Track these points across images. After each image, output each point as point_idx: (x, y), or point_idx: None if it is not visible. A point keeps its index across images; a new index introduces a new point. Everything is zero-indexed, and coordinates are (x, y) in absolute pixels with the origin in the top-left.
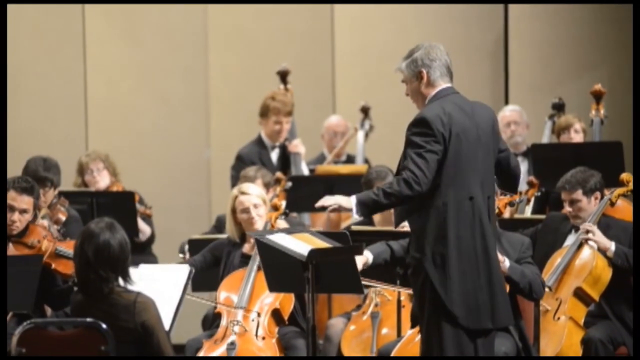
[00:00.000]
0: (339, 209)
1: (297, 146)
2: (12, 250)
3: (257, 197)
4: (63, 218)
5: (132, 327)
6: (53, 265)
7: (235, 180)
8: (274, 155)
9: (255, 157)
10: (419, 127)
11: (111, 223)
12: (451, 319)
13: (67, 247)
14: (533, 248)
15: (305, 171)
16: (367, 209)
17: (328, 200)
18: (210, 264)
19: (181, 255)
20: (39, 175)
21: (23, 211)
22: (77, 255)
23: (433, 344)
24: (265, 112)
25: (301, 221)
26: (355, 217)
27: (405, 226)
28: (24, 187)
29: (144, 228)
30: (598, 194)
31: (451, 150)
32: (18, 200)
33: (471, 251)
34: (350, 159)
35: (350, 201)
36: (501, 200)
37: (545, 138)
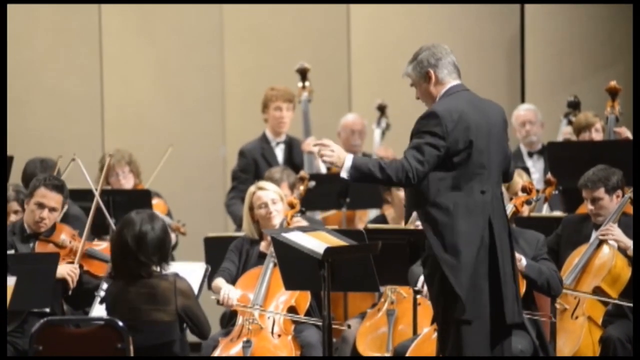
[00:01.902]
0: (332, 163)
1: (310, 145)
2: (39, 249)
3: (274, 192)
4: None
5: (173, 309)
6: (85, 267)
7: (235, 174)
8: (279, 152)
9: (257, 152)
10: (428, 120)
11: (151, 213)
12: (462, 312)
13: (99, 249)
14: (557, 254)
15: (323, 169)
16: (358, 175)
17: (327, 150)
18: (238, 264)
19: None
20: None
21: (52, 209)
22: (115, 243)
23: (448, 341)
24: (265, 103)
25: (319, 220)
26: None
27: (419, 224)
28: (55, 184)
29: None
30: (620, 192)
31: (462, 147)
32: (48, 197)
33: (479, 244)
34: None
35: (346, 160)
36: (518, 199)
37: (561, 136)
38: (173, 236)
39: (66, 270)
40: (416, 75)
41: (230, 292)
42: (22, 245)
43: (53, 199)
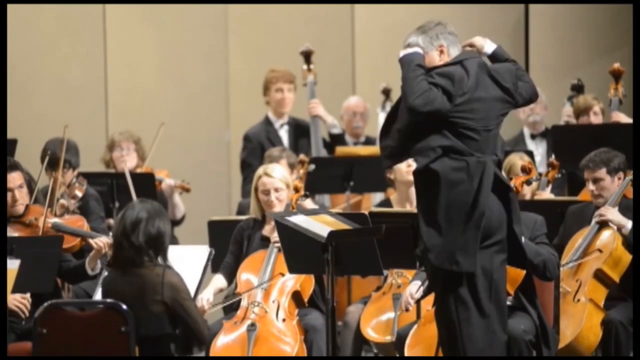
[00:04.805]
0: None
1: (315, 107)
2: (10, 231)
3: (280, 180)
4: (79, 194)
5: (160, 300)
6: None
7: (243, 162)
8: (283, 133)
9: (262, 135)
10: (443, 76)
11: (158, 208)
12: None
13: (66, 222)
14: (562, 247)
15: (335, 127)
16: (405, 59)
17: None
18: (239, 256)
19: None
20: (57, 156)
21: (19, 186)
22: (116, 227)
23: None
24: (267, 85)
25: (323, 203)
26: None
27: None
28: (9, 165)
29: (180, 204)
30: (621, 174)
31: (465, 111)
32: (11, 179)
33: (462, 205)
34: (369, 141)
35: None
36: (518, 179)
37: (563, 117)
38: (182, 205)
39: (12, 301)
40: (426, 45)
41: (203, 300)
42: None
43: (15, 178)
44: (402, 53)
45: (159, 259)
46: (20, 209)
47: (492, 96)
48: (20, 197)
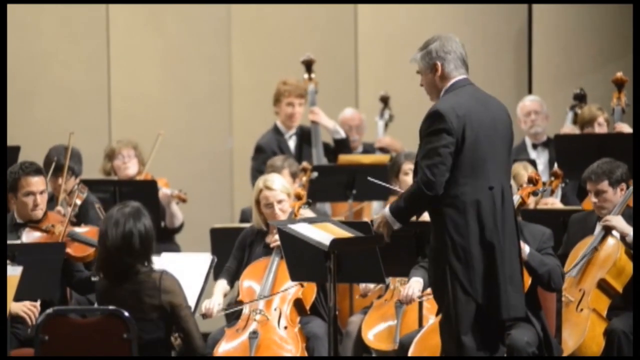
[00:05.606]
0: (387, 234)
1: (314, 113)
2: (27, 236)
3: (281, 192)
4: (78, 202)
5: (157, 304)
6: (67, 249)
7: (255, 172)
8: (292, 143)
9: (274, 145)
10: (433, 120)
11: (136, 209)
12: (474, 309)
13: (83, 232)
14: (566, 256)
15: (340, 132)
16: (400, 218)
17: (379, 231)
18: (242, 261)
19: None
20: (61, 163)
21: (42, 192)
22: (100, 243)
23: (453, 332)
24: (278, 97)
25: (325, 211)
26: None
27: (426, 216)
28: (35, 169)
29: (177, 213)
30: (624, 185)
31: (468, 141)
32: (34, 183)
33: (494, 242)
34: (366, 150)
35: (386, 215)
36: (524, 190)
37: (566, 129)
38: (180, 214)
39: (21, 307)
40: (424, 65)
41: (214, 304)
42: (9, 235)
43: (39, 182)
44: (397, 227)
45: (152, 264)
46: (39, 214)
47: (491, 116)
48: (41, 202)
